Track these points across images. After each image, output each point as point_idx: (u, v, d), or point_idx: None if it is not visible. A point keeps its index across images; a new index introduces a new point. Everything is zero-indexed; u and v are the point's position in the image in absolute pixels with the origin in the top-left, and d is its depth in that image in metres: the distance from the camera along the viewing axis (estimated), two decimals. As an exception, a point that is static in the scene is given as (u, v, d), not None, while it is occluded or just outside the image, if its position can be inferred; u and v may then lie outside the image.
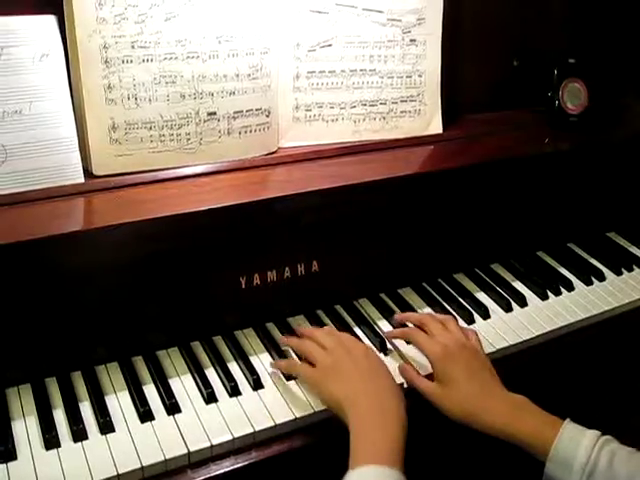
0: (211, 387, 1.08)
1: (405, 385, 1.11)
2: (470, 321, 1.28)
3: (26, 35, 1.07)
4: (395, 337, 1.21)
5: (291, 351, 1.17)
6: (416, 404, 1.06)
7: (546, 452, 0.98)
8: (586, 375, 1.36)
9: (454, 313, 1.28)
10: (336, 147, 1.33)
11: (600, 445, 0.95)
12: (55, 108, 1.10)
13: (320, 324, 1.23)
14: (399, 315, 1.24)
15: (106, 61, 1.12)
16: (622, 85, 1.62)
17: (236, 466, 1.00)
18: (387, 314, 1.28)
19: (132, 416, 1.04)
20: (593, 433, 0.98)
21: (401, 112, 1.39)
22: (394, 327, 1.24)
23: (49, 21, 1.09)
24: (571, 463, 0.95)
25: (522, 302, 1.34)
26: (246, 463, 1.01)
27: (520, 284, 1.40)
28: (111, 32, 1.11)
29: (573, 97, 1.51)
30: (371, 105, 1.36)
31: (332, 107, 1.34)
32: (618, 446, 0.96)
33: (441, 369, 1.09)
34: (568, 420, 1.00)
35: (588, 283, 1.41)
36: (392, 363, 1.15)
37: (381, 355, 1.17)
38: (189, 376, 1.12)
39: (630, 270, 1.47)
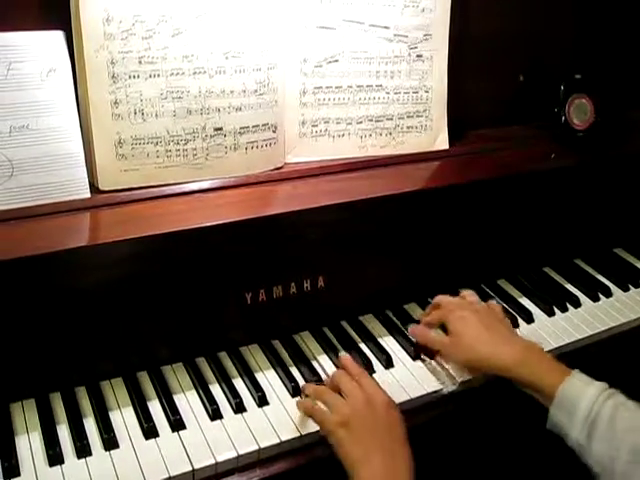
0: (216, 403, 1.08)
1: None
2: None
3: (34, 50, 1.07)
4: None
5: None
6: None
7: (552, 397, 0.99)
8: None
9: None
10: (342, 163, 1.33)
11: (605, 396, 0.97)
12: (62, 123, 1.10)
13: (326, 341, 1.23)
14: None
15: (113, 76, 1.12)
16: (628, 100, 1.62)
17: (241, 484, 1.00)
18: (393, 330, 1.27)
19: (136, 432, 1.04)
20: (600, 384, 0.99)
21: (407, 128, 1.39)
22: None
23: (57, 37, 1.09)
24: (574, 411, 0.97)
25: (528, 318, 1.33)
26: (251, 481, 1.00)
27: (526, 300, 1.39)
28: (118, 47, 1.11)
29: (579, 113, 1.51)
30: (377, 121, 1.36)
31: (338, 123, 1.34)
32: (623, 400, 0.97)
33: (455, 321, 1.15)
34: (577, 370, 1.01)
35: (595, 299, 1.41)
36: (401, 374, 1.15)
37: (387, 371, 1.17)
38: (194, 392, 1.11)
39: (637, 286, 1.46)
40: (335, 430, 1.00)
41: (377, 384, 1.07)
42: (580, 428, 0.96)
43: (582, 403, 0.96)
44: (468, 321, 1.16)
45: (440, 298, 1.25)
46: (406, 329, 1.27)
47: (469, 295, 1.26)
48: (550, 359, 1.06)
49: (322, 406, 1.05)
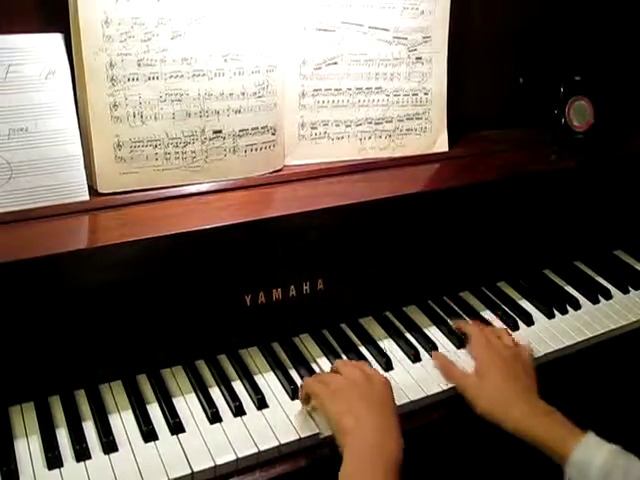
0: (215, 406, 1.08)
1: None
2: (476, 340, 1.27)
3: (33, 53, 1.07)
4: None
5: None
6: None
7: (566, 457, 1.00)
8: (593, 394, 1.35)
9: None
10: (342, 165, 1.33)
11: (616, 456, 0.98)
12: (61, 126, 1.10)
13: (325, 343, 1.23)
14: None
15: (112, 79, 1.12)
16: (628, 102, 1.62)
17: (240, 486, 0.99)
18: (392, 332, 1.27)
19: (135, 435, 1.03)
20: (612, 447, 1.00)
21: (407, 130, 1.39)
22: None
23: (55, 39, 1.09)
24: (588, 470, 0.98)
25: (529, 321, 1.33)
26: (250, 484, 1.00)
27: (527, 302, 1.39)
28: (117, 50, 1.11)
29: (579, 114, 1.51)
30: (377, 123, 1.36)
31: (338, 125, 1.34)
32: (635, 462, 0.98)
33: (482, 361, 1.15)
34: (591, 432, 1.02)
35: (595, 301, 1.40)
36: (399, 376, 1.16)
37: (387, 374, 1.17)
38: (193, 395, 1.11)
39: (637, 288, 1.46)
40: (327, 399, 1.02)
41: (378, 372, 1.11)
42: None
43: (595, 466, 0.98)
44: (497, 362, 1.15)
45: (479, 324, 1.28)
46: (405, 331, 1.27)
47: (506, 334, 1.25)
48: (565, 421, 1.06)
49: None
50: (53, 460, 0.97)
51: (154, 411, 1.07)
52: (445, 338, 1.27)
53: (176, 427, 1.04)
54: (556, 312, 1.36)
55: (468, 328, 1.26)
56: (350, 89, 1.33)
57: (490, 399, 1.10)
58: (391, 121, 1.37)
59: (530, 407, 1.08)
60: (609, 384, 1.39)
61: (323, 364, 1.19)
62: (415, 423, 1.12)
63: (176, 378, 1.14)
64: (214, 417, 1.06)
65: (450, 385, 1.16)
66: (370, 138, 1.37)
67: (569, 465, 1.00)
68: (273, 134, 1.27)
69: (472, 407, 1.11)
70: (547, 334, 1.30)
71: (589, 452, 0.99)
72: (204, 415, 1.07)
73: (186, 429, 1.04)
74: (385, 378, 1.09)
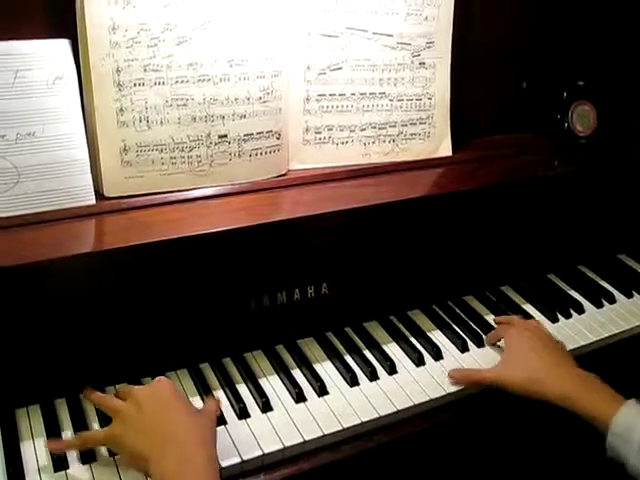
0: (219, 409, 1.08)
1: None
2: (480, 344, 1.27)
3: (40, 59, 1.08)
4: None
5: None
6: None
7: (607, 426, 1.01)
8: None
9: (464, 335, 1.28)
10: (346, 170, 1.34)
11: None
12: (68, 130, 1.11)
13: (330, 347, 1.23)
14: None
15: (118, 84, 1.13)
16: (631, 107, 1.62)
17: (245, 489, 1.00)
18: (397, 337, 1.27)
19: (141, 438, 1.04)
20: None
21: (411, 135, 1.40)
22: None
23: (63, 45, 1.10)
24: (630, 440, 0.98)
25: (532, 325, 1.33)
26: (254, 486, 1.00)
27: (530, 307, 1.39)
28: (124, 56, 1.12)
29: (582, 119, 1.51)
30: (381, 128, 1.37)
31: (342, 130, 1.34)
32: None
33: (513, 344, 1.18)
34: (634, 399, 1.03)
35: (598, 305, 1.41)
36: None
37: (390, 377, 1.17)
38: (198, 398, 1.11)
39: (641, 292, 1.46)
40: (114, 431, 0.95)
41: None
42: (637, 456, 0.98)
43: (637, 432, 0.98)
44: (526, 337, 1.18)
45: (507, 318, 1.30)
46: (410, 335, 1.28)
47: (535, 321, 1.29)
48: (605, 387, 1.07)
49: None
50: (59, 462, 0.98)
51: (159, 414, 1.08)
52: (449, 342, 1.28)
53: (181, 430, 1.04)
54: (560, 316, 1.36)
55: (501, 327, 1.28)
56: (354, 94, 1.33)
57: (528, 374, 1.10)
58: (395, 126, 1.38)
59: (568, 373, 1.10)
60: (614, 388, 1.38)
61: (327, 367, 1.20)
62: (420, 426, 1.12)
63: (181, 381, 1.14)
64: (219, 420, 1.06)
65: (453, 389, 1.16)
66: (374, 143, 1.37)
67: (611, 430, 1.00)
68: (278, 139, 1.27)
69: (508, 390, 1.11)
70: (551, 338, 1.30)
71: (631, 418, 0.99)
72: (209, 418, 1.08)
73: (191, 431, 1.05)
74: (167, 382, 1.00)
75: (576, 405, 1.05)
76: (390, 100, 1.36)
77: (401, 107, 1.38)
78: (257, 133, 1.24)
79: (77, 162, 1.12)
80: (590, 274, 1.51)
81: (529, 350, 1.16)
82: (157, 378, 1.01)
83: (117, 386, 1.11)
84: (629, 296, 1.45)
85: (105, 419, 1.04)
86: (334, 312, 1.26)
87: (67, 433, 1.04)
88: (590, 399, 1.04)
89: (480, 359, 1.23)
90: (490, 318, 1.35)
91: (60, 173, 1.11)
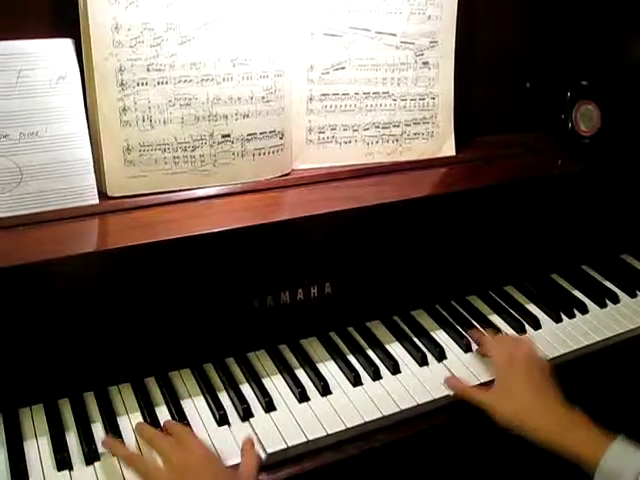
0: (223, 409, 1.08)
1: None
2: (483, 344, 1.27)
3: (43, 58, 1.08)
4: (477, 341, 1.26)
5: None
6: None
7: (593, 464, 0.98)
8: (600, 398, 1.35)
9: (467, 335, 1.28)
10: (349, 169, 1.34)
11: None
12: (71, 130, 1.11)
13: (333, 347, 1.23)
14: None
15: (122, 83, 1.13)
16: (635, 106, 1.62)
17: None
18: (400, 336, 1.27)
19: (144, 438, 1.04)
20: None
21: (414, 134, 1.39)
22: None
23: (66, 44, 1.10)
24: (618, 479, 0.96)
25: (535, 325, 1.33)
26: (258, 486, 1.00)
27: (534, 306, 1.39)
28: (127, 55, 1.12)
29: (586, 119, 1.51)
30: (384, 127, 1.37)
31: (345, 129, 1.34)
32: None
33: (503, 376, 1.14)
34: (621, 436, 1.01)
35: (602, 305, 1.40)
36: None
37: (394, 377, 1.17)
38: (201, 398, 1.12)
39: (644, 292, 1.46)
40: None
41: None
42: None
43: (625, 472, 0.96)
44: (518, 377, 1.14)
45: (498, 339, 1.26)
46: (413, 335, 1.27)
47: (525, 343, 1.23)
48: (592, 426, 1.04)
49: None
50: (62, 462, 0.98)
51: (162, 413, 1.08)
52: (452, 342, 1.28)
53: (184, 429, 1.04)
54: (563, 316, 1.36)
55: (488, 345, 1.23)
56: (357, 94, 1.33)
57: (515, 412, 1.08)
58: (398, 125, 1.38)
59: (554, 416, 1.07)
60: (617, 388, 1.38)
61: (330, 367, 1.20)
62: (423, 426, 1.12)
63: (184, 381, 1.15)
64: (222, 420, 1.07)
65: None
66: (377, 142, 1.37)
67: (599, 470, 0.98)
68: (281, 138, 1.27)
69: (494, 420, 1.09)
70: (554, 338, 1.30)
71: (618, 463, 0.97)
72: (212, 417, 1.08)
73: (194, 432, 1.04)
74: (206, 450, 0.99)
75: (563, 448, 1.02)
76: (393, 100, 1.36)
77: (404, 107, 1.38)
78: (260, 133, 1.24)
79: (80, 162, 1.12)
80: (594, 274, 1.51)
81: (516, 382, 1.12)
82: (190, 442, 0.99)
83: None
84: (633, 296, 1.44)
85: (107, 419, 1.05)
86: (337, 312, 1.26)
87: (70, 432, 1.04)
88: (574, 439, 1.02)
89: (483, 360, 1.23)
90: (494, 318, 1.35)
91: (63, 173, 1.11)
